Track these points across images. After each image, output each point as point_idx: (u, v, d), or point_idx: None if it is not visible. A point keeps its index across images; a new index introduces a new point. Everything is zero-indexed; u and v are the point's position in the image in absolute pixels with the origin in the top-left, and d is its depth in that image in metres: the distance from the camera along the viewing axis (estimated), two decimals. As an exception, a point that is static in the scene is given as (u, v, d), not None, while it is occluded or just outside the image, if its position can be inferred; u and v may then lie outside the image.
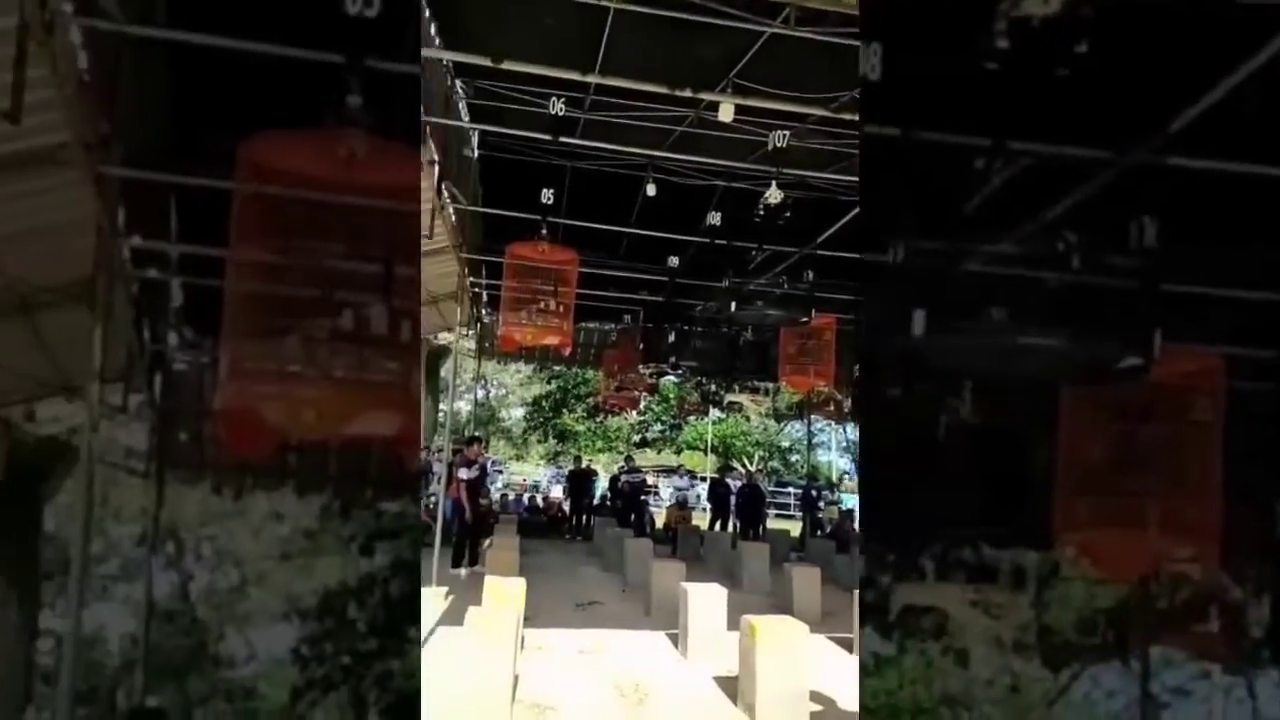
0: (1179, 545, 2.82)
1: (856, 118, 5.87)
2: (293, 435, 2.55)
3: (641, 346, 11.39)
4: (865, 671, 4.52)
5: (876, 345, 3.24)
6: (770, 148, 5.93)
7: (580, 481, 14.74)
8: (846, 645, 6.21)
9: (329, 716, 4.51)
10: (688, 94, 5.38)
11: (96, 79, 2.74)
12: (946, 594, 4.41)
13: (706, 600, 5.91)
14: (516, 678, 4.63)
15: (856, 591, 6.45)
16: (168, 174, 3.31)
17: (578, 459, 18.54)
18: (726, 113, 5.36)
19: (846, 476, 25.97)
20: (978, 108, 2.64)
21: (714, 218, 7.85)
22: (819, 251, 8.55)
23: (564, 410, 26.67)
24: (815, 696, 4.69)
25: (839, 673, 5.46)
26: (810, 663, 4.67)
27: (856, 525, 15.32)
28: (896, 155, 2.68)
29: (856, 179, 7.29)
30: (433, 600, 6.76)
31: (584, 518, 14.37)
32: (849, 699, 4.88)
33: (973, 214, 2.87)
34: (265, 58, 2.57)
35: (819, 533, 14.42)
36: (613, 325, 13.17)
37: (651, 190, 7.37)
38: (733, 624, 5.27)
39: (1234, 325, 3.04)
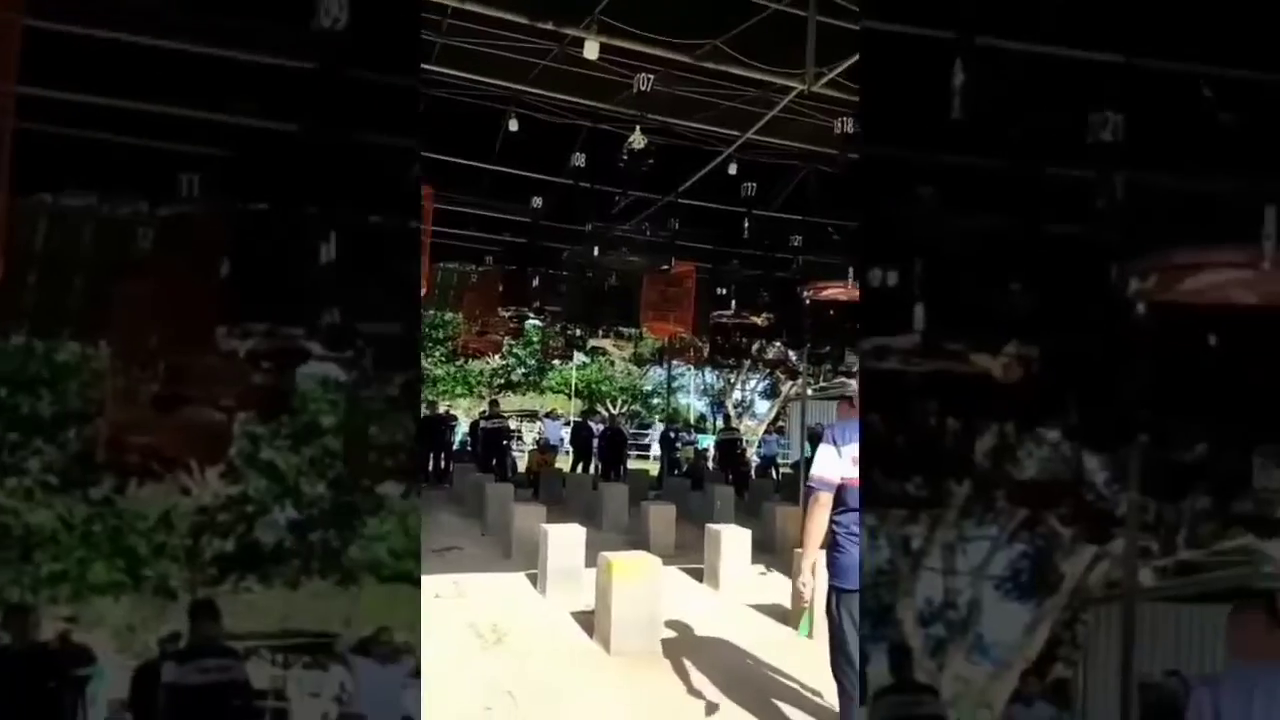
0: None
1: (721, 67, 5.93)
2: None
3: (503, 289, 11.09)
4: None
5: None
6: (635, 90, 5.87)
7: (432, 427, 14.35)
8: (697, 575, 6.61)
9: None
10: (550, 27, 5.18)
11: None
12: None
13: (565, 539, 6.03)
14: (370, 626, 4.52)
15: (709, 525, 6.85)
16: None
17: (432, 404, 18.02)
18: (591, 50, 5.22)
19: (704, 419, 27.18)
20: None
21: (579, 159, 7.69)
22: (681, 200, 8.67)
23: (421, 353, 25.71)
24: (668, 624, 4.98)
25: (689, 600, 5.83)
26: (663, 593, 4.93)
27: (710, 463, 16.16)
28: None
29: (719, 130, 7.41)
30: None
31: (441, 464, 14.07)
32: (699, 624, 5.23)
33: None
34: None
35: (676, 472, 15.05)
36: (473, 266, 12.69)
37: (514, 126, 7.10)
38: (591, 561, 5.43)
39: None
